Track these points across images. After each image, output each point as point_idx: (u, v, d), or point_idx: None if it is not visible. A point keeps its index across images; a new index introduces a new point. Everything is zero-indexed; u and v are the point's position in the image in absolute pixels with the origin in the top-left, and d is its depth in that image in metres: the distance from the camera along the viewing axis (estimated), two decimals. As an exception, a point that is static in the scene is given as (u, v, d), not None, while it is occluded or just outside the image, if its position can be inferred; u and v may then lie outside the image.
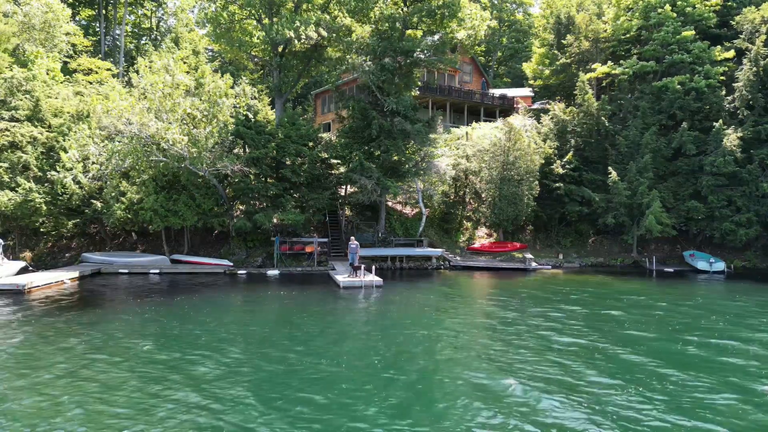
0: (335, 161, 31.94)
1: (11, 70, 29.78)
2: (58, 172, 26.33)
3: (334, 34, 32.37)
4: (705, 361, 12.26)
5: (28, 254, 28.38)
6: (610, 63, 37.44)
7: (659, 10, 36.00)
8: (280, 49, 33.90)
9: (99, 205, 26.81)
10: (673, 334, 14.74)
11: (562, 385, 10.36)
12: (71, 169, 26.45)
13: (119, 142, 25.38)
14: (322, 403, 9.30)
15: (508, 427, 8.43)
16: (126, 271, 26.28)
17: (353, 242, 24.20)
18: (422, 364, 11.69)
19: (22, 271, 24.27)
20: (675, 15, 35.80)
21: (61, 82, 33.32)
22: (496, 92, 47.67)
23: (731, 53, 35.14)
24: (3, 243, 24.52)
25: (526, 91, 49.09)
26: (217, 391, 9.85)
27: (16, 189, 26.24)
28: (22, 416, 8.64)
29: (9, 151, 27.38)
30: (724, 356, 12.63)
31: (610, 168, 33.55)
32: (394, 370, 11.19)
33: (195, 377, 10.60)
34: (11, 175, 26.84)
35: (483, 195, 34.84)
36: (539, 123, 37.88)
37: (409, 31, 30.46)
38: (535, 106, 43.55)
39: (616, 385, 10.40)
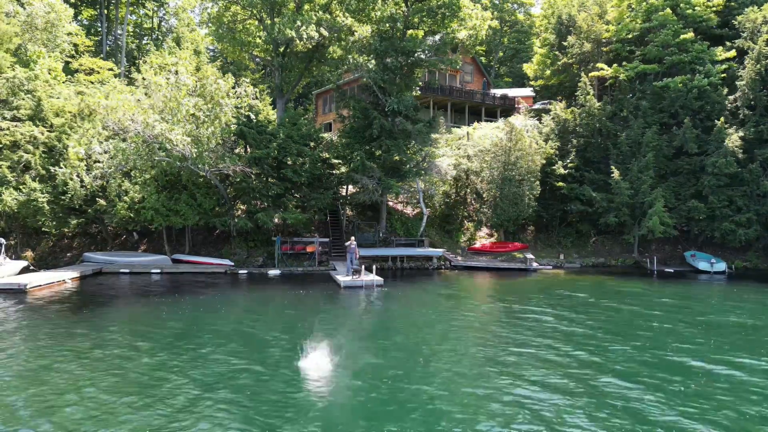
0: (336, 161, 31.97)
1: (13, 69, 29.86)
2: (63, 168, 26.36)
3: (336, 34, 32.42)
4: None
5: (29, 254, 28.45)
6: (615, 65, 37.39)
7: (660, 13, 35.95)
8: (281, 49, 33.96)
9: (103, 203, 26.87)
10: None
11: (563, 381, 10.41)
12: (75, 167, 26.51)
13: (124, 140, 25.47)
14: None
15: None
16: (127, 270, 26.33)
17: (352, 242, 24.20)
18: (432, 362, 11.73)
19: (24, 270, 24.34)
20: (675, 18, 35.75)
21: (63, 82, 33.40)
22: (498, 92, 47.67)
23: (732, 53, 35.11)
24: (4, 242, 24.59)
25: (528, 91, 49.08)
26: (221, 390, 9.86)
27: (20, 188, 26.33)
28: (23, 415, 8.67)
29: (9, 150, 27.46)
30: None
31: (612, 167, 33.50)
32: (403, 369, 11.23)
33: (196, 376, 10.60)
34: (14, 175, 26.93)
35: (484, 195, 34.85)
36: (540, 123, 37.87)
37: (410, 31, 30.48)
38: (537, 106, 43.54)
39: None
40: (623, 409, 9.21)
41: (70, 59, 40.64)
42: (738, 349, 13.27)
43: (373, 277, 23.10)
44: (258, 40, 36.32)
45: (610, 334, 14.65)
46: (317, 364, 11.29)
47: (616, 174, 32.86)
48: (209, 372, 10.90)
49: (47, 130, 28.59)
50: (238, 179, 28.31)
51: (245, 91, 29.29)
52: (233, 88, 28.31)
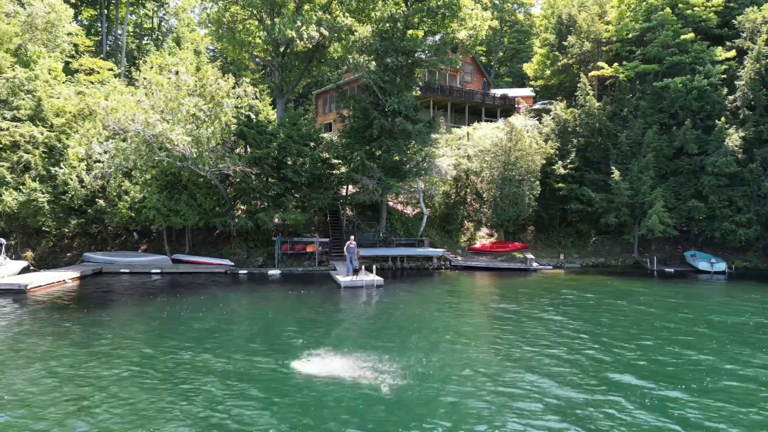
0: (336, 161, 31.98)
1: (13, 70, 29.87)
2: (63, 168, 26.37)
3: (336, 34, 32.41)
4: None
5: (30, 254, 28.46)
6: (615, 65, 37.41)
7: (659, 13, 35.97)
8: (281, 49, 33.96)
9: (102, 203, 26.86)
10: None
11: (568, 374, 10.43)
12: (75, 167, 26.53)
13: (124, 140, 25.49)
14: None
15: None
16: (127, 270, 26.34)
17: (351, 242, 24.19)
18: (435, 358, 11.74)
19: (24, 270, 24.35)
20: (675, 18, 35.77)
21: (63, 82, 33.41)
22: (498, 92, 47.67)
23: (732, 53, 35.15)
24: (5, 243, 24.60)
25: (528, 91, 49.10)
26: (241, 389, 9.84)
27: (20, 189, 26.34)
28: (24, 414, 8.67)
29: (9, 151, 27.46)
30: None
31: (612, 168, 33.53)
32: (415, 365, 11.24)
33: (214, 375, 10.59)
34: (14, 176, 26.93)
35: (484, 195, 34.85)
36: (540, 123, 37.89)
37: (410, 31, 30.49)
38: (537, 106, 43.56)
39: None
40: (635, 404, 9.32)
41: (70, 59, 40.67)
42: (742, 347, 13.34)
43: (374, 277, 23.09)
44: (258, 40, 36.33)
45: (615, 333, 14.67)
46: (329, 364, 11.30)
47: (616, 174, 32.87)
48: (226, 371, 10.90)
49: (47, 131, 28.59)
50: (238, 179, 28.32)
51: (245, 91, 29.30)
52: (233, 88, 28.33)
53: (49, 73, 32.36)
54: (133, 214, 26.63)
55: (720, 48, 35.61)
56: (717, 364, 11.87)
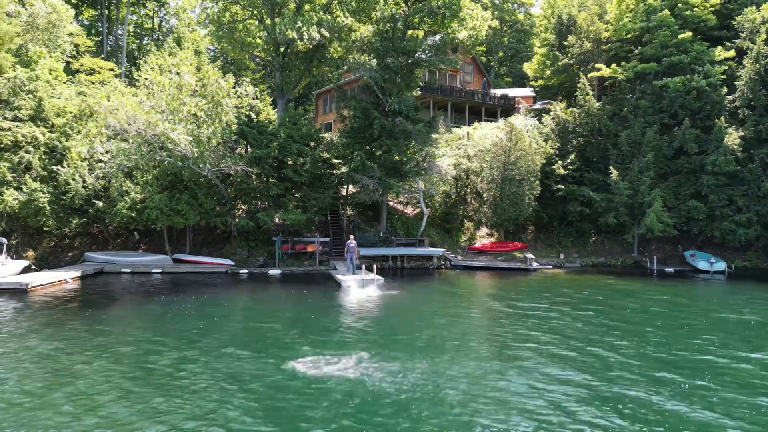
0: (337, 161, 32.05)
1: (14, 70, 29.93)
2: (65, 167, 26.43)
3: (336, 34, 32.48)
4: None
5: (31, 253, 28.52)
6: (614, 65, 37.44)
7: (658, 14, 36.00)
8: (282, 49, 34.02)
9: (100, 204, 26.92)
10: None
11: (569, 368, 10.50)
12: (78, 167, 26.59)
13: (125, 140, 25.57)
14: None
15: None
16: (128, 270, 26.40)
17: (351, 241, 24.23)
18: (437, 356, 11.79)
19: (25, 270, 24.41)
20: (674, 19, 35.80)
21: (64, 83, 33.47)
22: (498, 92, 47.73)
23: (732, 53, 35.19)
24: (6, 242, 24.67)
25: (528, 91, 49.15)
26: (236, 389, 9.89)
27: (21, 188, 26.41)
28: (25, 415, 8.72)
29: (11, 151, 27.53)
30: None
31: (611, 168, 33.58)
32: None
33: (222, 373, 10.64)
34: (14, 175, 27.00)
35: (484, 195, 34.91)
36: (540, 123, 37.94)
37: (410, 31, 30.56)
38: (537, 106, 43.61)
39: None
40: (657, 395, 9.60)
41: (71, 59, 40.71)
42: (744, 345, 13.45)
43: (374, 277, 23.14)
44: (258, 40, 36.41)
45: (617, 332, 14.73)
46: (339, 364, 11.32)
47: (614, 175, 32.93)
48: (235, 371, 10.90)
49: (48, 131, 28.66)
50: (239, 179, 28.37)
51: (246, 91, 29.37)
52: (234, 87, 28.40)
53: (50, 74, 32.39)
54: (134, 214, 26.69)
55: (719, 48, 35.67)
56: (726, 360, 12.07)
